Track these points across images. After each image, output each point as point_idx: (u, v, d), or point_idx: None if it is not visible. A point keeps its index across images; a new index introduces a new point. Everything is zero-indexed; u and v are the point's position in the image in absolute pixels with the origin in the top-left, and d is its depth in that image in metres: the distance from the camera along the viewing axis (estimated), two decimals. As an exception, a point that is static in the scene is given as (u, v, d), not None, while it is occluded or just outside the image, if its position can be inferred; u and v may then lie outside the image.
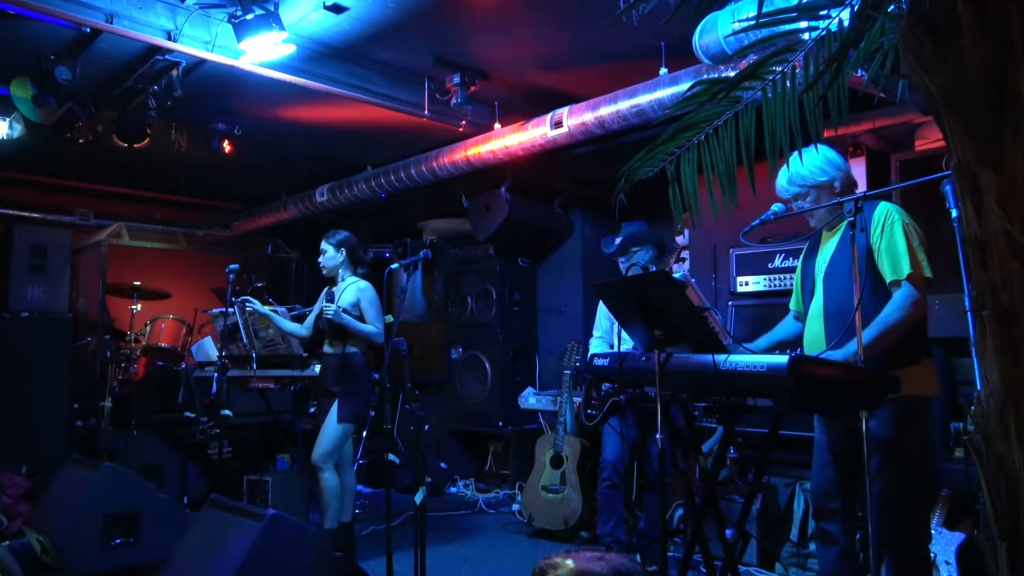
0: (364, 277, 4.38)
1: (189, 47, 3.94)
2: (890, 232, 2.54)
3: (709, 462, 3.17)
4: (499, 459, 6.34)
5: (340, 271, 4.33)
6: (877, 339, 2.43)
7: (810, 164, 2.67)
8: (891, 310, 2.48)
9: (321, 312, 4.20)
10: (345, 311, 4.09)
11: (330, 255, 4.30)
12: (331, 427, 4.06)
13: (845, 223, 2.66)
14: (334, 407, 4.09)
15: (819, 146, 2.65)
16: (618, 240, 4.20)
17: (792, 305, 3.03)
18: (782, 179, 2.77)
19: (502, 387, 6.06)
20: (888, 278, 2.53)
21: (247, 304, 4.52)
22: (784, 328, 3.01)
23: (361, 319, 4.15)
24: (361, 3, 3.74)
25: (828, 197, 2.70)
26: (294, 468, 5.60)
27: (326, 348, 4.26)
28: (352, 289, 4.22)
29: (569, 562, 1.55)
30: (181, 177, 7.13)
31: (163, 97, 4.34)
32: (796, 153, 2.37)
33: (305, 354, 5.60)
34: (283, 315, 4.76)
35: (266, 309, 4.53)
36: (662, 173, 2.27)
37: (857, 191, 2.77)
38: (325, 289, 4.31)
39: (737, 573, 2.94)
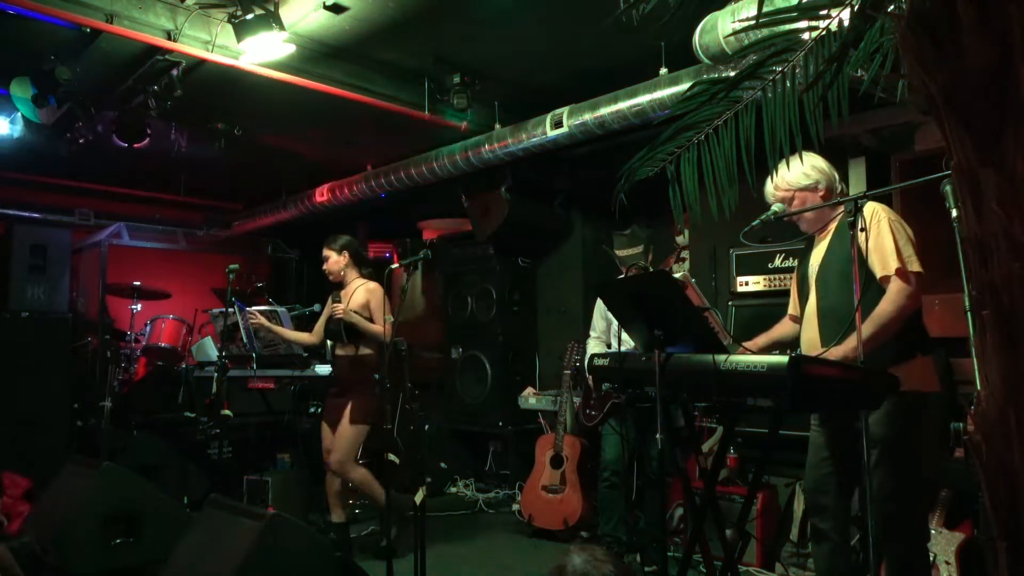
0: (369, 277, 4.40)
1: (189, 47, 3.94)
2: (877, 231, 2.59)
3: (709, 462, 3.17)
4: (499, 459, 6.33)
5: (345, 273, 4.36)
6: (872, 334, 2.46)
7: (794, 168, 2.72)
8: (883, 305, 2.53)
9: (331, 316, 4.21)
10: (356, 312, 4.12)
11: (334, 259, 4.35)
12: (345, 430, 4.09)
13: (836, 226, 2.74)
14: (348, 410, 4.11)
15: (807, 154, 2.72)
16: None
17: (789, 309, 3.07)
18: (768, 184, 2.85)
19: (502, 387, 6.06)
20: (878, 274, 2.58)
21: (253, 319, 4.54)
22: (780, 330, 3.05)
23: (371, 320, 4.17)
24: (361, 3, 3.74)
25: (813, 201, 2.79)
26: (294, 468, 5.59)
27: (337, 351, 4.30)
28: (361, 290, 4.25)
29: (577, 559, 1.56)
30: (181, 177, 7.13)
31: (163, 97, 4.34)
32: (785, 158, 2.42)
33: (305, 354, 5.59)
34: (283, 316, 4.76)
35: (266, 321, 4.56)
36: (662, 173, 2.27)
37: (850, 192, 2.81)
38: (332, 293, 4.33)
39: (737, 573, 2.94)
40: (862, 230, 2.41)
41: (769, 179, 2.81)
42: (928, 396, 2.59)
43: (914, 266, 2.55)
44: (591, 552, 1.74)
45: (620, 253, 4.14)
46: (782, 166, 2.65)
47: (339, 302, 4.21)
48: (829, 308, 2.67)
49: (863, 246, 2.59)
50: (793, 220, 2.87)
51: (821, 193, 2.78)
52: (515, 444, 6.00)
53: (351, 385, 4.14)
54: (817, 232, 2.85)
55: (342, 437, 4.09)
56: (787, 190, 2.80)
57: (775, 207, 2.81)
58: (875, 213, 2.62)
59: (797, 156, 2.49)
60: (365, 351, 4.18)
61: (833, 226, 2.76)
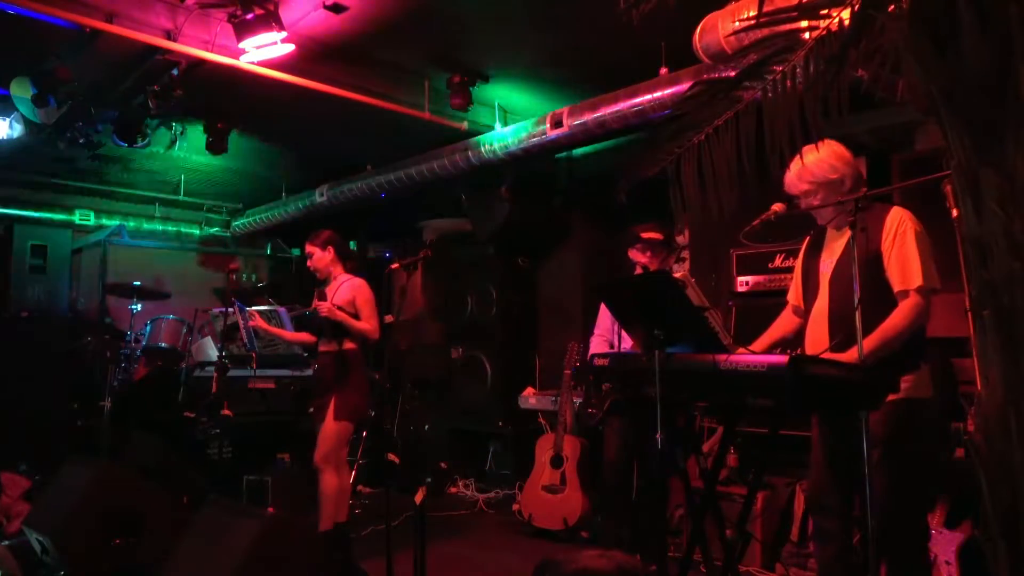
0: (355, 272, 4.36)
1: (189, 47, 3.94)
2: (902, 241, 2.51)
3: (709, 462, 3.16)
4: (499, 459, 6.33)
5: (331, 269, 4.32)
6: (881, 346, 2.41)
7: (821, 161, 2.62)
8: (897, 319, 2.46)
9: (315, 312, 4.18)
10: (340, 308, 4.08)
11: (318, 256, 4.28)
12: (329, 427, 4.05)
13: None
14: (331, 407, 4.07)
15: (831, 142, 2.62)
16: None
17: (791, 298, 2.97)
18: (792, 174, 2.71)
19: (502, 387, 6.05)
20: (896, 287, 2.51)
21: (252, 322, 4.50)
22: (782, 325, 2.97)
23: (356, 316, 4.14)
24: (361, 3, 3.74)
25: (837, 194, 2.64)
26: (294, 468, 5.59)
27: (321, 347, 4.24)
28: (346, 286, 4.20)
29: (571, 560, 1.56)
30: (181, 177, 7.14)
31: (163, 97, 4.34)
32: (808, 148, 2.32)
33: (305, 354, 5.59)
34: (283, 316, 4.75)
35: (265, 324, 4.52)
36: (662, 173, 2.27)
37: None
38: (316, 289, 4.30)
39: (737, 573, 2.94)
40: (862, 230, 2.39)
41: (792, 167, 2.66)
42: (927, 400, 2.57)
43: (936, 283, 2.48)
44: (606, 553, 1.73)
45: (643, 234, 4.11)
46: (808, 154, 2.51)
47: (324, 300, 4.17)
48: (842, 313, 2.56)
49: (880, 252, 2.55)
50: (812, 212, 2.74)
51: (847, 187, 2.64)
52: (515, 444, 5.99)
53: (334, 382, 4.11)
54: (831, 226, 2.75)
55: (324, 434, 4.05)
56: (811, 182, 2.67)
57: (775, 207, 2.76)
58: (902, 221, 2.54)
59: (821, 145, 2.41)
60: (348, 348, 4.15)
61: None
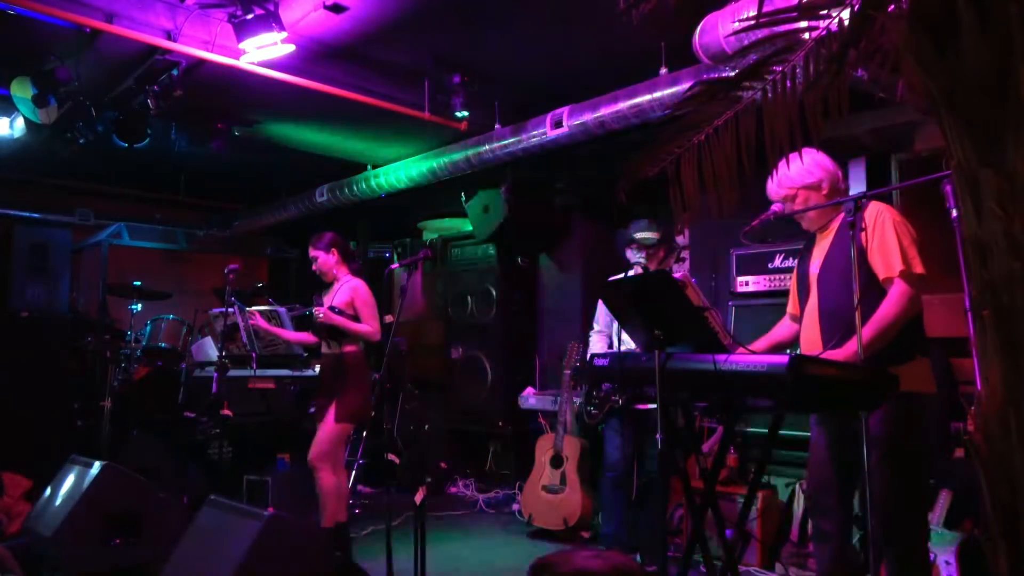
0: (358, 273, 4.36)
1: (189, 47, 3.94)
2: (881, 231, 2.56)
3: (709, 462, 3.17)
4: (499, 459, 6.33)
5: (337, 271, 4.31)
6: (874, 337, 2.44)
7: (796, 166, 2.68)
8: (886, 307, 2.50)
9: (313, 316, 4.18)
10: (340, 311, 4.08)
11: (323, 259, 4.26)
12: (328, 427, 4.05)
13: (838, 225, 2.70)
14: (332, 408, 4.07)
15: (812, 151, 2.69)
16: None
17: (789, 309, 3.03)
18: (771, 182, 2.80)
19: (502, 387, 6.05)
20: (881, 276, 2.55)
21: (252, 320, 4.50)
22: (781, 330, 3.01)
23: (355, 318, 4.13)
24: (361, 3, 3.74)
25: (817, 199, 2.74)
26: (294, 468, 5.59)
27: (323, 348, 4.24)
28: (345, 288, 4.20)
29: (566, 561, 1.56)
30: (181, 177, 7.14)
31: (163, 97, 4.34)
32: (793, 156, 2.39)
33: (305, 354, 5.59)
34: (283, 316, 4.75)
35: (265, 323, 4.52)
36: (662, 173, 2.27)
37: (850, 192, 2.79)
38: (316, 295, 4.29)
39: (737, 573, 2.94)
40: (862, 230, 2.40)
41: (771, 177, 2.78)
42: (925, 397, 2.58)
43: (918, 268, 2.52)
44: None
45: (638, 236, 4.12)
46: (785, 163, 2.62)
47: (320, 305, 4.16)
48: (830, 309, 2.64)
49: (864, 246, 2.58)
50: (796, 218, 2.84)
51: (824, 191, 2.74)
52: (515, 444, 6.00)
53: (336, 384, 4.11)
54: (819, 230, 2.82)
55: (323, 433, 4.04)
56: (790, 188, 2.76)
57: (775, 207, 2.79)
58: (880, 213, 2.59)
59: (801, 153, 2.49)
60: (349, 350, 4.14)
61: (835, 225, 2.72)
